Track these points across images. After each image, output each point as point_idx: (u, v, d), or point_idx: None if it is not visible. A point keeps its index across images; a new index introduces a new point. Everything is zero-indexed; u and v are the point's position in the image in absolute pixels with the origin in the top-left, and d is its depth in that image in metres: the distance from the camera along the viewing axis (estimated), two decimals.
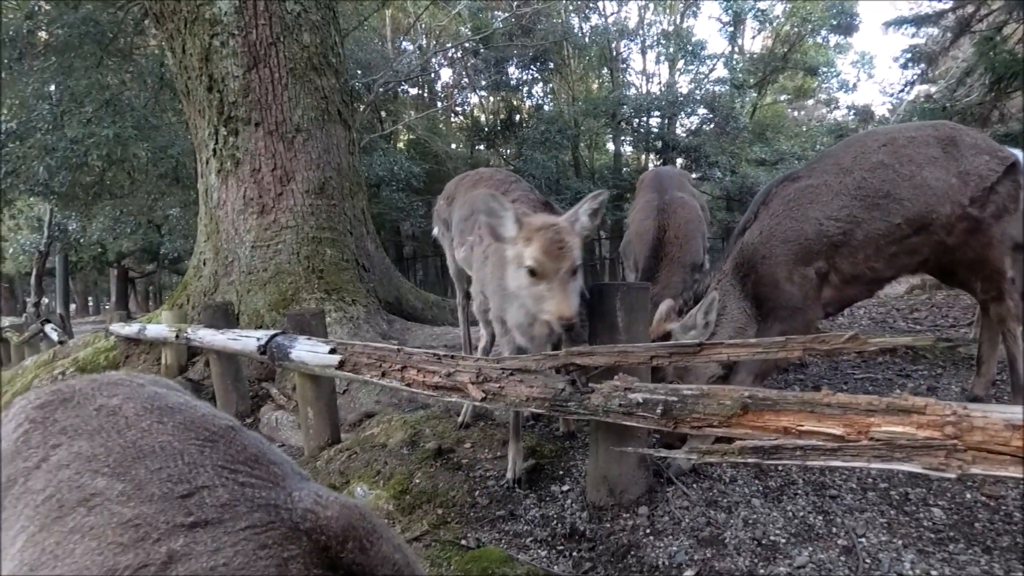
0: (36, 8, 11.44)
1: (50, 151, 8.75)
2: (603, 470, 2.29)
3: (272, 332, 3.20)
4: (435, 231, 4.22)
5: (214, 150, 5.56)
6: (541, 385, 2.11)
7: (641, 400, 1.83)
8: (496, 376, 2.24)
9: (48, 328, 7.67)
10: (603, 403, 1.93)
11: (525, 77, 23.25)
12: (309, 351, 2.88)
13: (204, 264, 5.74)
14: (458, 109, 27.23)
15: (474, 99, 25.99)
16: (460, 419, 3.07)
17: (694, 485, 2.33)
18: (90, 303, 30.82)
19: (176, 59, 5.70)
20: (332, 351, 2.79)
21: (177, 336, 4.35)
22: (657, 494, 2.28)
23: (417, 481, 2.50)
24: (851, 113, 20.92)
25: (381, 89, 20.65)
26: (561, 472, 2.55)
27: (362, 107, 19.08)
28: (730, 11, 20.82)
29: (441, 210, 4.04)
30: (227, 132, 5.46)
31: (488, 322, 2.72)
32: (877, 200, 2.50)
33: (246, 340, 3.35)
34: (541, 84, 24.17)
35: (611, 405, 1.90)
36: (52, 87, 9.59)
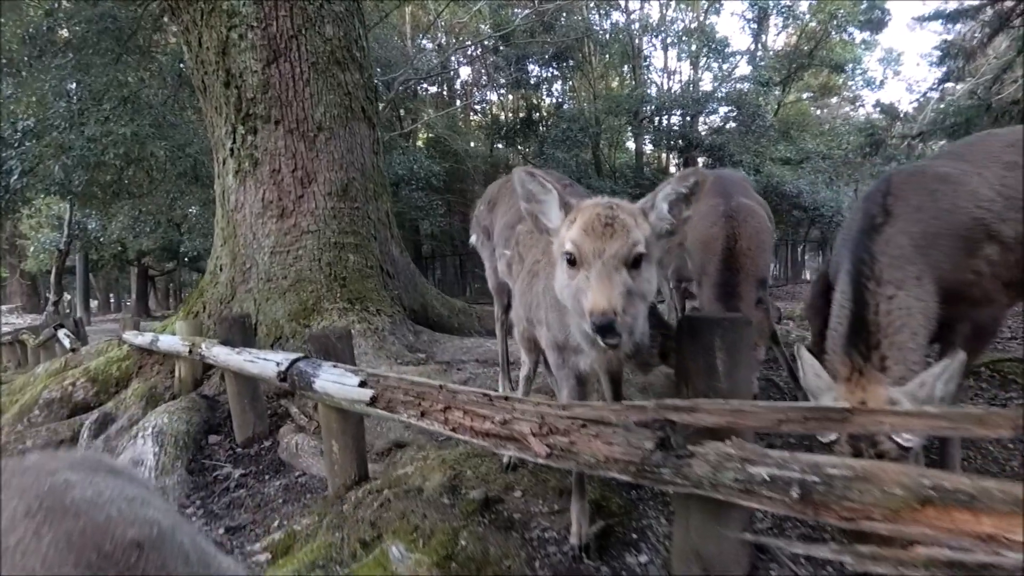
0: (56, 5, 11.26)
1: (66, 150, 8.50)
2: (695, 545, 1.87)
3: (294, 356, 2.82)
4: (472, 239, 3.83)
5: (231, 150, 5.21)
6: (623, 443, 1.70)
7: (767, 477, 1.41)
8: (564, 428, 1.84)
9: (61, 334, 7.43)
10: (710, 475, 1.52)
11: (545, 75, 22.79)
12: (335, 382, 2.50)
13: (221, 270, 5.41)
14: (477, 107, 26.86)
15: (493, 97, 25.61)
16: (505, 460, 2.68)
17: (803, 560, 1.90)
18: (111, 300, 30.98)
19: (192, 53, 5.36)
20: (363, 383, 2.41)
21: (190, 351, 4.00)
22: (760, 573, 1.86)
23: (463, 543, 2.11)
24: (877, 110, 20.14)
25: (401, 88, 20.34)
26: (634, 535, 2.14)
27: (382, 105, 18.80)
28: (755, 7, 20.17)
29: (481, 216, 3.63)
30: (245, 130, 5.11)
31: (531, 349, 2.32)
32: (1020, 202, 2.06)
33: (264, 363, 2.98)
34: (561, 82, 23.68)
35: (722, 478, 1.49)
36: (71, 85, 9.35)
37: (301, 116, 5.17)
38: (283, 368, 2.79)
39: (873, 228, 2.13)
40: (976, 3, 10.69)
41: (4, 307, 13.19)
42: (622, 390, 2.27)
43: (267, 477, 3.57)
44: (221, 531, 3.00)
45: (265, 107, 5.06)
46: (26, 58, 10.78)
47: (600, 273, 1.45)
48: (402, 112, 21.99)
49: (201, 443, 3.97)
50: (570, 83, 23.42)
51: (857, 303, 2.03)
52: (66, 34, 10.64)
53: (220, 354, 3.53)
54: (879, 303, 1.99)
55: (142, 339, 5.13)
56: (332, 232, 5.23)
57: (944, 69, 12.50)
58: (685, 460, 1.58)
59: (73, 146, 8.54)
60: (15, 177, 8.47)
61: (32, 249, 17.49)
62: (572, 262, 1.51)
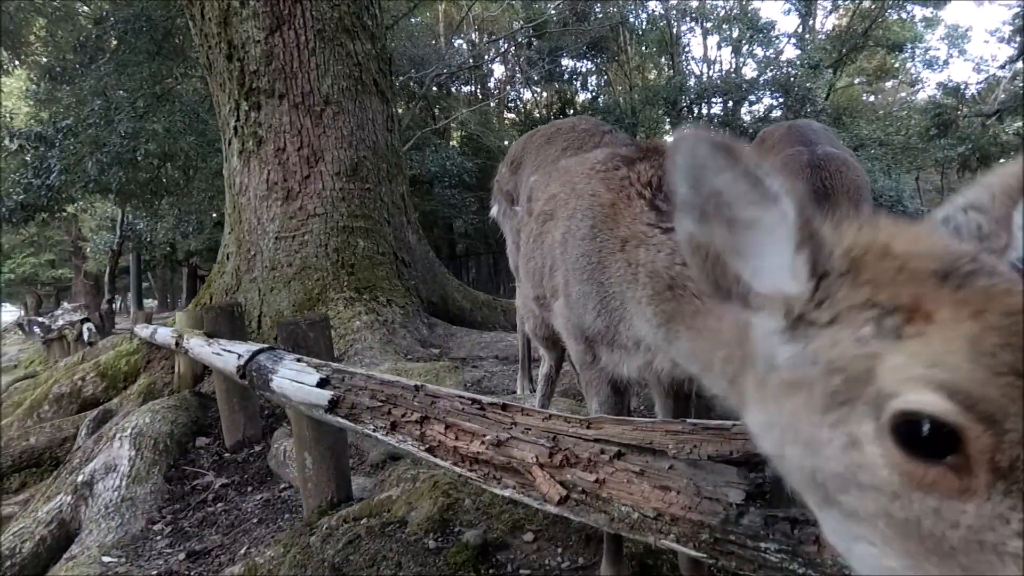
0: (104, 13, 11.21)
1: (101, 146, 8.29)
2: None
3: (256, 347, 2.20)
4: (493, 210, 3.14)
5: (236, 128, 4.70)
6: (687, 490, 0.98)
7: None
8: (589, 457, 1.13)
9: (85, 327, 7.17)
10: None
11: (580, 68, 21.89)
12: (293, 380, 1.86)
13: (228, 259, 4.90)
14: (510, 104, 26.19)
15: (527, 95, 24.87)
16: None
17: None
18: (168, 300, 31.86)
19: (196, 28, 4.88)
20: (323, 382, 1.75)
21: (177, 344, 3.47)
22: None
23: None
24: (940, 92, 18.31)
25: (435, 88, 19.89)
26: None
27: (414, 104, 18.39)
28: None
29: (503, 180, 2.93)
30: (248, 106, 4.59)
31: (550, 340, 1.60)
32: None
33: (228, 356, 2.38)
34: (596, 75, 22.71)
35: None
36: (109, 82, 9.18)
37: (307, 89, 4.60)
38: (243, 362, 2.17)
39: None
40: None
41: (69, 305, 13.40)
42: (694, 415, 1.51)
43: (249, 489, 2.99)
44: (181, 556, 2.41)
45: (269, 80, 4.52)
46: (78, 65, 10.76)
47: None
48: (436, 111, 21.54)
49: (187, 446, 3.44)
50: (605, 76, 22.47)
51: None
52: (115, 42, 10.55)
53: (195, 346, 2.96)
54: None
55: (147, 332, 4.68)
56: (340, 215, 4.65)
57: (1017, 45, 11.17)
58: (808, 531, 0.84)
59: (107, 143, 8.31)
60: (55, 175, 8.31)
61: (89, 249, 17.87)
62: (940, 450, 0.52)
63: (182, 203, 12.53)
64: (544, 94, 23.92)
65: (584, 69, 21.84)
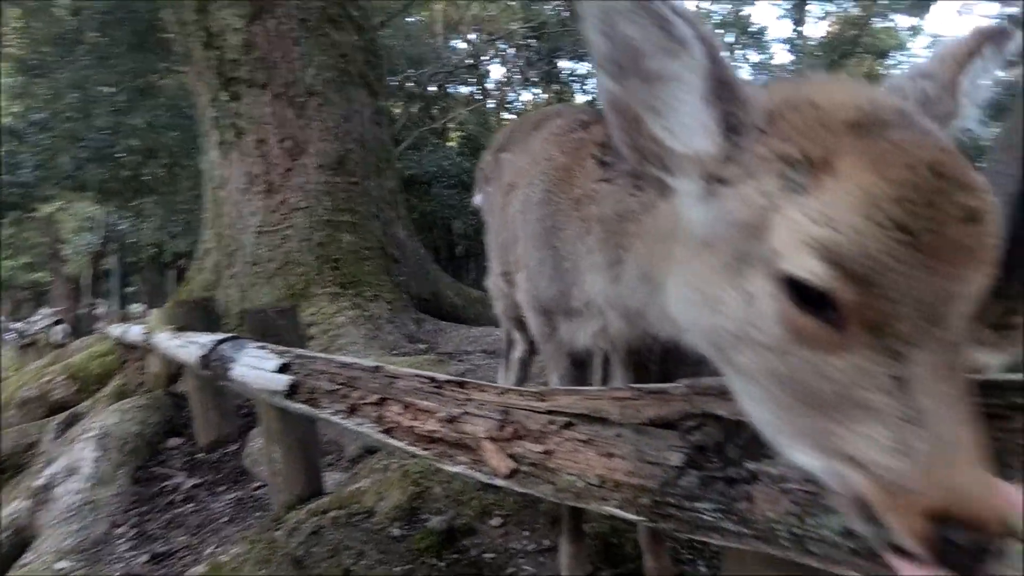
0: (83, 2, 11.32)
1: (77, 141, 8.35)
2: None
3: (221, 337, 2.22)
4: (477, 199, 3.18)
5: (215, 119, 4.74)
6: (631, 455, 1.00)
7: None
8: (539, 429, 1.15)
9: (58, 329, 7.22)
10: (787, 518, 0.80)
11: (578, 70, 21.99)
12: (253, 367, 1.88)
13: (207, 255, 4.94)
14: (509, 105, 26.31)
15: (526, 95, 24.97)
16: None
17: None
18: (159, 304, 31.89)
19: (173, 14, 4.93)
20: (283, 368, 1.77)
21: (147, 341, 3.50)
22: None
23: None
24: None
25: (433, 87, 20.03)
26: None
27: (412, 104, 18.52)
28: None
29: (488, 167, 2.96)
30: (228, 96, 4.64)
31: (522, 321, 1.62)
32: None
33: (192, 347, 2.40)
34: (594, 77, 22.77)
35: (820, 529, 0.77)
36: (88, 75, 9.26)
37: (289, 79, 4.66)
38: (207, 351, 2.19)
39: None
40: None
41: (48, 310, 13.45)
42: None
43: (222, 489, 3.01)
44: (145, 558, 2.43)
45: (249, 69, 4.58)
46: (57, 58, 10.87)
47: (958, 385, 0.53)
48: (435, 110, 21.65)
49: (158, 447, 3.46)
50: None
51: (1015, 235, 1.30)
52: (94, 35, 10.67)
53: (161, 341, 2.99)
54: None
55: (119, 331, 4.72)
56: (325, 209, 4.69)
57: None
58: (742, 489, 0.86)
59: (84, 137, 8.38)
60: (27, 171, 8.37)
61: (69, 252, 17.95)
62: (819, 306, 0.54)
63: (168, 202, 12.60)
64: (543, 95, 24.02)
65: (583, 71, 21.95)
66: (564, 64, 21.10)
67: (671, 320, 0.88)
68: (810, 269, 0.50)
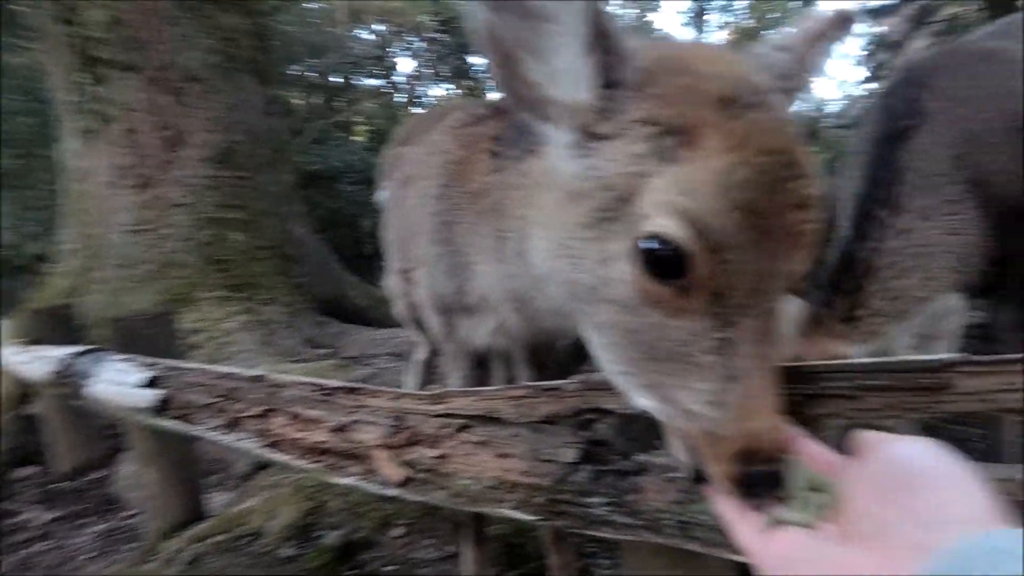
0: None
1: None
2: None
3: (77, 349, 1.98)
4: (380, 194, 3.08)
5: (75, 105, 4.26)
6: (526, 455, 1.00)
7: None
8: (434, 433, 1.11)
9: None
10: (672, 506, 0.83)
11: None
12: (114, 382, 1.69)
13: (67, 257, 4.43)
14: (419, 99, 25.87)
15: (437, 90, 24.67)
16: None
17: None
18: None
19: None
20: (150, 382, 1.61)
21: None
22: None
23: None
24: (810, 105, 20.80)
25: (338, 79, 19.33)
26: None
27: (313, 95, 17.72)
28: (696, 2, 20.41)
29: (390, 162, 2.88)
30: (91, 79, 4.17)
31: (421, 321, 1.58)
32: None
33: (40, 363, 2.13)
34: None
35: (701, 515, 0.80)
36: None
37: (166, 62, 4.27)
38: (58, 367, 1.95)
39: (898, 135, 1.51)
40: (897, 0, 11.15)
41: None
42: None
43: (86, 521, 2.70)
44: None
45: (116, 50, 4.14)
46: None
47: (769, 349, 0.60)
48: (339, 103, 20.88)
49: (4, 478, 3.04)
50: None
51: (855, 237, 1.45)
52: None
53: (4, 356, 2.63)
54: (885, 238, 1.40)
55: None
56: (210, 206, 4.36)
57: (869, 66, 12.91)
58: (631, 481, 0.88)
59: None
60: None
61: None
62: (672, 272, 0.57)
63: (22, 198, 11.16)
64: (456, 90, 23.87)
65: None
66: (476, 59, 21.11)
67: (556, 306, 0.91)
68: (676, 231, 0.55)
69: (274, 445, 1.36)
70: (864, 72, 13.11)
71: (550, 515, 0.94)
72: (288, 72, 16.79)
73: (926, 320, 1.14)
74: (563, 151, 0.67)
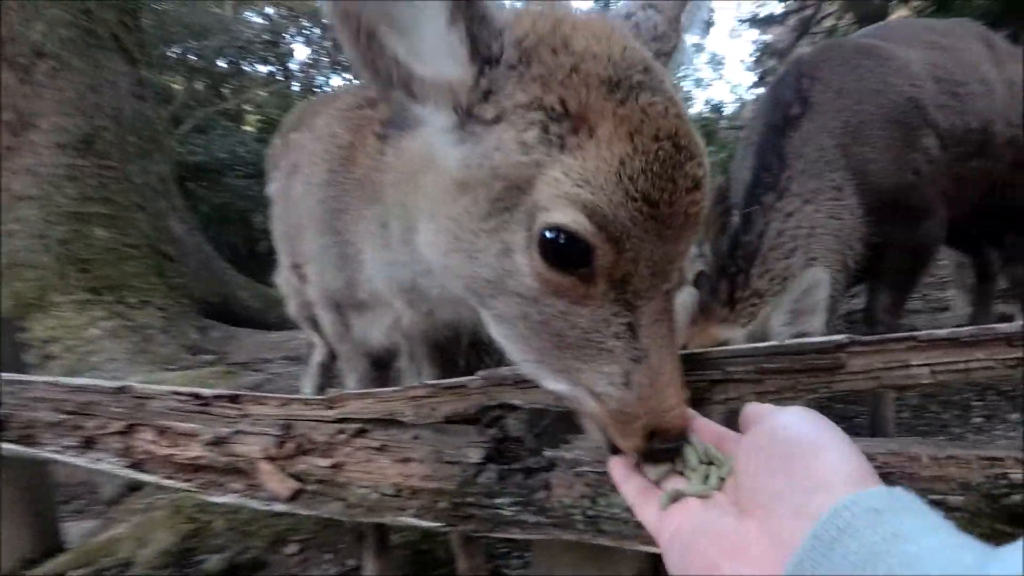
0: None
1: None
2: None
3: None
4: (270, 187, 2.85)
5: None
6: (428, 458, 0.93)
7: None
8: (327, 439, 1.02)
9: None
10: (581, 501, 0.80)
11: None
12: None
13: None
14: (317, 89, 24.62)
15: (337, 80, 23.61)
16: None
17: None
18: None
19: None
20: None
21: None
22: None
23: None
24: (708, 108, 22.19)
25: (223, 63, 17.94)
26: None
27: (194, 79, 16.28)
28: (599, 4, 21.04)
29: (277, 151, 2.66)
30: None
31: (316, 320, 1.45)
32: (953, 87, 1.66)
33: None
34: None
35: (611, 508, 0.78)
36: None
37: (8, 35, 3.70)
38: None
39: (787, 123, 1.60)
40: (782, 11, 12.21)
41: None
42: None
43: None
44: None
45: None
46: None
47: (670, 329, 0.61)
48: (225, 90, 19.36)
49: None
50: None
51: (742, 224, 1.53)
52: None
53: None
54: (771, 222, 1.48)
55: None
56: (68, 199, 3.84)
57: (759, 71, 14.06)
58: (540, 478, 0.84)
59: None
60: None
61: None
62: (578, 257, 0.57)
63: None
64: (357, 81, 22.94)
65: None
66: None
67: (452, 296, 0.87)
68: (577, 223, 0.55)
69: (139, 464, 1.19)
70: (753, 77, 14.28)
71: (456, 520, 0.88)
72: (166, 54, 15.32)
73: (795, 295, 1.21)
74: (442, 135, 0.64)
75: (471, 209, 0.62)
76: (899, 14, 6.72)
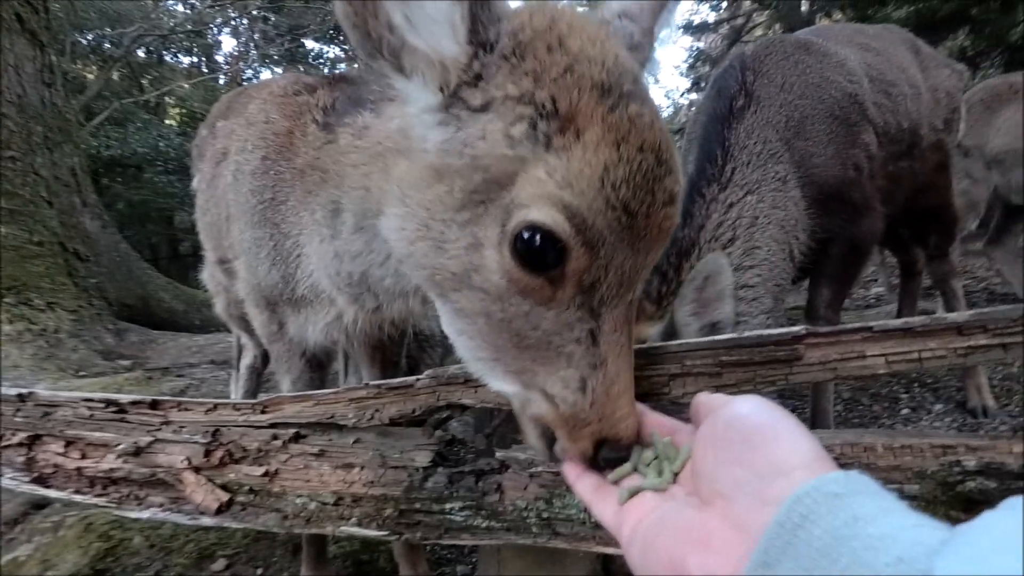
0: None
1: None
2: None
3: None
4: (196, 181, 2.66)
5: None
6: (372, 463, 0.89)
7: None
8: (259, 446, 0.95)
9: None
10: (534, 504, 0.78)
11: (327, 52, 20.80)
12: None
13: None
14: (244, 82, 23.51)
15: (266, 74, 22.62)
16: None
17: None
18: None
19: None
20: None
21: None
22: None
23: None
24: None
25: (142, 53, 16.82)
26: None
27: (109, 68, 15.15)
28: None
29: (203, 144, 2.48)
30: None
31: (247, 319, 1.35)
32: (886, 87, 1.75)
33: None
34: (345, 63, 21.89)
35: (567, 510, 0.76)
36: None
37: None
38: None
39: (732, 114, 1.61)
40: (714, 20, 12.78)
41: None
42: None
43: None
44: None
45: None
46: None
47: (629, 339, 0.61)
48: (145, 81, 18.13)
49: None
50: (356, 66, 21.90)
51: (683, 220, 1.50)
52: None
53: None
54: (711, 214, 1.48)
55: None
56: None
57: (693, 77, 14.60)
58: (491, 480, 0.81)
59: None
60: None
61: None
62: (547, 264, 0.57)
63: None
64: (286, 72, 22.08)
65: (332, 55, 20.85)
66: (311, 44, 19.72)
67: (404, 289, 0.86)
68: (556, 224, 0.54)
69: (44, 479, 1.07)
70: (687, 83, 14.83)
71: (402, 528, 0.83)
72: (78, 41, 14.18)
73: (696, 283, 1.16)
74: (424, 115, 0.61)
75: (444, 198, 0.60)
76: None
